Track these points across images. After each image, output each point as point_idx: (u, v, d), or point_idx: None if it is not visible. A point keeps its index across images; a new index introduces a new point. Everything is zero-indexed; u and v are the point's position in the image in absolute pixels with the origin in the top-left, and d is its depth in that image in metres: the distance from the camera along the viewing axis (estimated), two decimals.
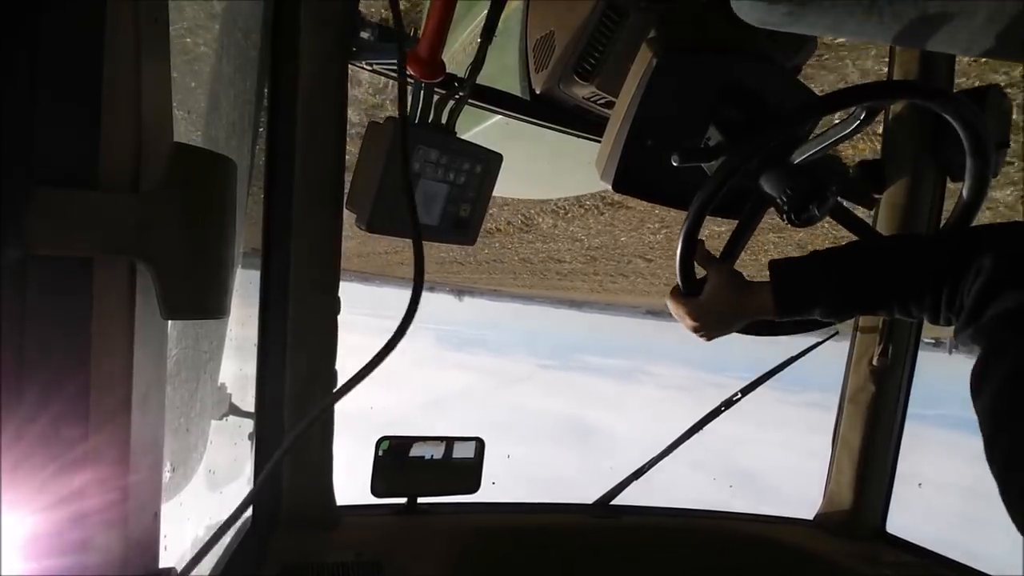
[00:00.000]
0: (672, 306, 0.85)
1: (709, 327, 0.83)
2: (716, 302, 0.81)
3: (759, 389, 1.35)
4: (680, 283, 0.84)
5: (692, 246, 0.81)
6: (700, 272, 0.84)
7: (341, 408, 1.04)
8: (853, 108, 0.82)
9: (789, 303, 0.73)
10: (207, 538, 0.51)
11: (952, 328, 0.64)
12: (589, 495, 1.31)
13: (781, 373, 1.34)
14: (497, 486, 1.20)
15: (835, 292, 0.70)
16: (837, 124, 0.86)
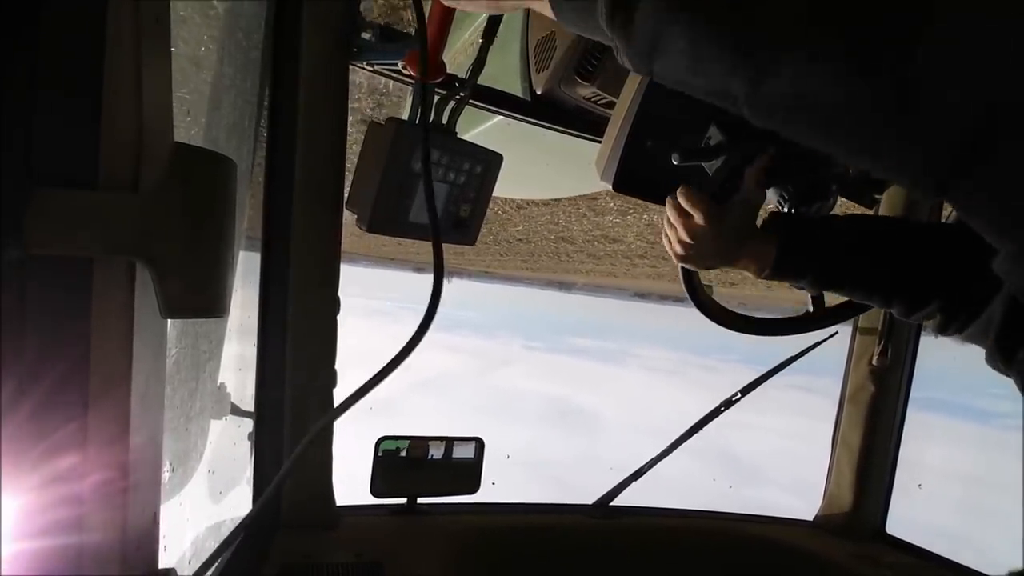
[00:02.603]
0: (685, 202, 0.73)
1: (702, 248, 0.73)
2: (733, 222, 0.72)
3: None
4: (684, 287, 0.83)
5: None
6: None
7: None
8: None
9: (788, 260, 0.69)
10: (207, 539, 0.50)
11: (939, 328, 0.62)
12: (577, 478, 1.31)
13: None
14: (488, 469, 1.20)
15: (833, 261, 0.68)
16: None
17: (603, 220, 7.24)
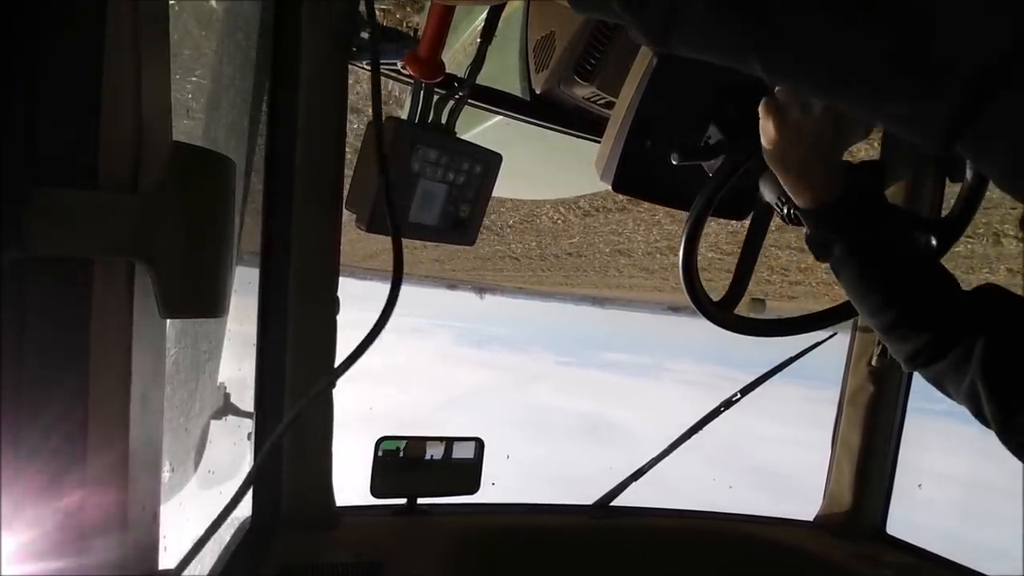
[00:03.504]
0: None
1: (812, 139, 0.63)
2: (846, 136, 0.65)
3: (761, 388, 1.35)
4: (684, 287, 0.83)
5: (695, 247, 0.81)
6: (702, 271, 0.83)
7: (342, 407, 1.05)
8: None
9: (844, 208, 0.65)
10: (208, 539, 0.50)
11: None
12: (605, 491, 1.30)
13: (789, 369, 1.34)
14: (514, 486, 1.20)
15: (874, 242, 0.65)
16: None
17: (677, 229, 6.85)
